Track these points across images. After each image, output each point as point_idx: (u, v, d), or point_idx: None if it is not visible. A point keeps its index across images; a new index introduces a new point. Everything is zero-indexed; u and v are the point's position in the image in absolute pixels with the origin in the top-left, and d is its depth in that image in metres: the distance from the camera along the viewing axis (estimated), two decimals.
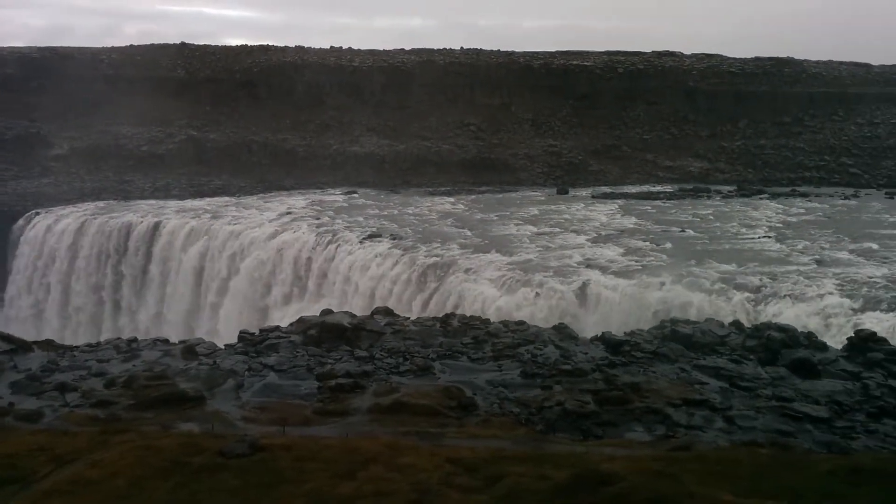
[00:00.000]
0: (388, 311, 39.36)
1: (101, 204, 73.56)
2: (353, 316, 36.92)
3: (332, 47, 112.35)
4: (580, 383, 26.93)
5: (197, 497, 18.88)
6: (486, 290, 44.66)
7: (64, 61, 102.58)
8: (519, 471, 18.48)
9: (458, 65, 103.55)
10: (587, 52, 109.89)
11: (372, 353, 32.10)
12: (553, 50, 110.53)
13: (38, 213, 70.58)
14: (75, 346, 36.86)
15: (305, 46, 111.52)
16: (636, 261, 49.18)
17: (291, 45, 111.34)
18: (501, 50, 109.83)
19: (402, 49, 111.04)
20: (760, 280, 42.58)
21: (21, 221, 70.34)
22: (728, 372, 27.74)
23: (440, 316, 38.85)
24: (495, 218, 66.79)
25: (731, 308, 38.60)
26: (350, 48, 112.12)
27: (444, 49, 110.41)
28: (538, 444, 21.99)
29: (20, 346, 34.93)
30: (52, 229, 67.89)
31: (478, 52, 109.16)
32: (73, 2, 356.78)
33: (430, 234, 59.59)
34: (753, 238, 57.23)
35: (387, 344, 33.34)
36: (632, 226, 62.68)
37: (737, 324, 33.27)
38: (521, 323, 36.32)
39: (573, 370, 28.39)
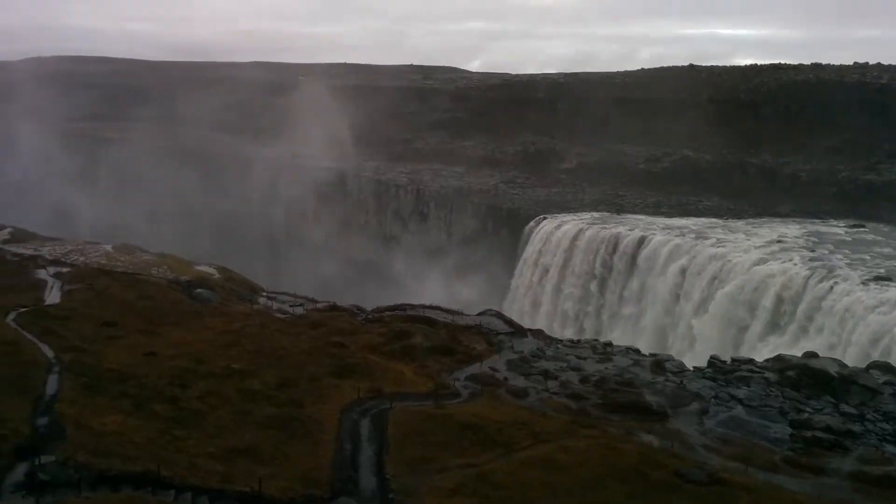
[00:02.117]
0: (888, 367, 33.74)
1: (596, 214, 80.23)
2: (844, 365, 32.66)
3: (855, 63, 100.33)
4: None
5: None
6: None
7: (582, 85, 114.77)
8: None
9: None
10: None
11: (862, 412, 27.93)
12: None
13: (545, 218, 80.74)
14: (560, 340, 41.19)
15: (823, 63, 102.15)
16: None
17: (807, 62, 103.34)
18: None
19: None
20: None
21: (531, 224, 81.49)
22: None
23: None
24: None
25: None
26: (878, 63, 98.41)
27: None
28: None
29: (518, 331, 40.71)
30: (554, 233, 76.86)
31: None
32: (596, 31, 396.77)
33: None
34: None
35: (884, 405, 28.61)
36: None
37: None
38: None
39: None
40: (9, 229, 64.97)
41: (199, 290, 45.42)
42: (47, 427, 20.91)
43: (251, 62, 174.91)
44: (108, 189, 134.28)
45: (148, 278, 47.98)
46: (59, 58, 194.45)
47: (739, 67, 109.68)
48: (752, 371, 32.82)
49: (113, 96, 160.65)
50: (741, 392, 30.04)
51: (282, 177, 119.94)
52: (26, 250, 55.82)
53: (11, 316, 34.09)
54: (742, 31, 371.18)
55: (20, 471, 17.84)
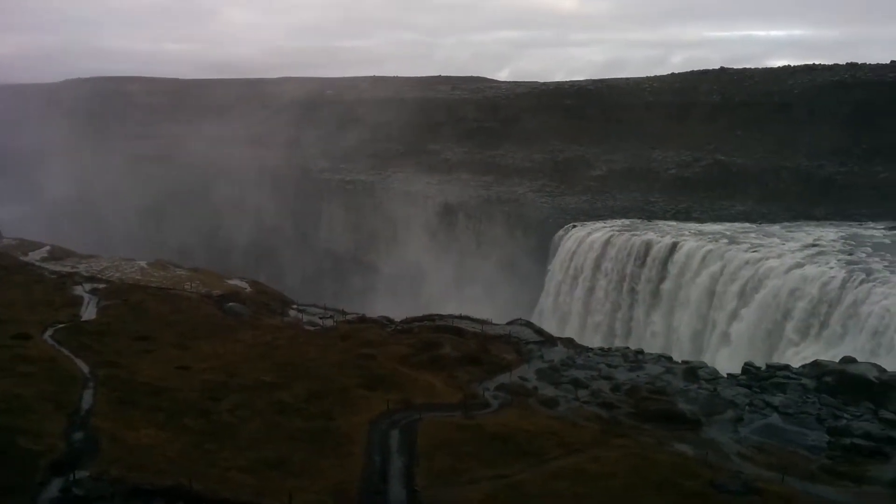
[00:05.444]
0: None
1: (626, 221, 79.45)
2: (884, 371, 31.76)
3: (892, 62, 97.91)
4: None
5: None
6: None
7: (611, 91, 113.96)
8: None
9: None
10: None
11: None
12: None
13: (574, 226, 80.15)
14: (590, 348, 40.78)
15: (858, 63, 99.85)
16: None
17: (842, 62, 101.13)
18: None
19: None
20: None
21: (561, 231, 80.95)
22: None
23: None
24: None
25: None
26: None
27: None
28: None
29: (547, 340, 40.42)
30: (584, 240, 76.22)
31: None
32: (629, 37, 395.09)
33: None
34: None
35: None
36: None
37: None
38: None
39: None
40: (47, 247, 66.68)
41: (230, 304, 46.01)
42: (82, 442, 21.31)
43: (281, 77, 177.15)
44: (144, 205, 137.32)
45: (181, 293, 48.79)
46: (97, 78, 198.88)
47: (772, 69, 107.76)
48: (787, 377, 32.09)
49: (149, 115, 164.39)
50: (777, 399, 29.38)
51: (310, 191, 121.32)
52: (64, 268, 57.21)
53: (49, 332, 34.91)
54: (776, 33, 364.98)
55: (55, 486, 18.20)
